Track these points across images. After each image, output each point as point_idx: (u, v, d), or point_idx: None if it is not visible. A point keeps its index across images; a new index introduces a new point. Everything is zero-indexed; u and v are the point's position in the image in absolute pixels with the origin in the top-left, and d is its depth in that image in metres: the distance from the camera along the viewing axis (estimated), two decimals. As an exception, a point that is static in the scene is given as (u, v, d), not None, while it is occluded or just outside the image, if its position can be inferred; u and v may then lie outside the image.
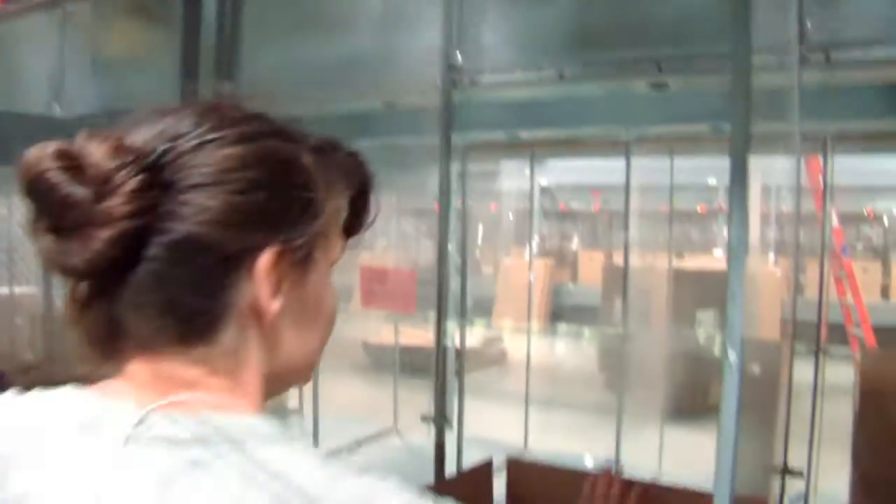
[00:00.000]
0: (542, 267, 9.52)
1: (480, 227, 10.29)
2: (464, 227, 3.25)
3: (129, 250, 0.56)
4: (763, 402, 1.59)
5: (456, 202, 3.06)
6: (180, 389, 0.58)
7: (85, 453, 0.56)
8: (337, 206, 0.66)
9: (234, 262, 0.58)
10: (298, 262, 0.62)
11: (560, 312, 9.52)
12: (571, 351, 8.65)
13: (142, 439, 0.55)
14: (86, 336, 0.60)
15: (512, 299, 8.55)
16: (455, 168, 3.04)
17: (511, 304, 8.54)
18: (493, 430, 3.93)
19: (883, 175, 8.06)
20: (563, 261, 10.93)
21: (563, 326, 9.41)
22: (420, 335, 3.77)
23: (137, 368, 0.60)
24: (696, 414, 4.84)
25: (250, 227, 0.59)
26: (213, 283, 0.58)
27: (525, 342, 4.26)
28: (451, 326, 2.98)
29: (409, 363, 4.93)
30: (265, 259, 0.59)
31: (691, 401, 5.03)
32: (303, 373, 0.69)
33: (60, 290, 0.62)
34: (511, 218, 10.76)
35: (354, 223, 0.70)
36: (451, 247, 2.95)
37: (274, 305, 0.60)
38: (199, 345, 0.59)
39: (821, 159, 3.23)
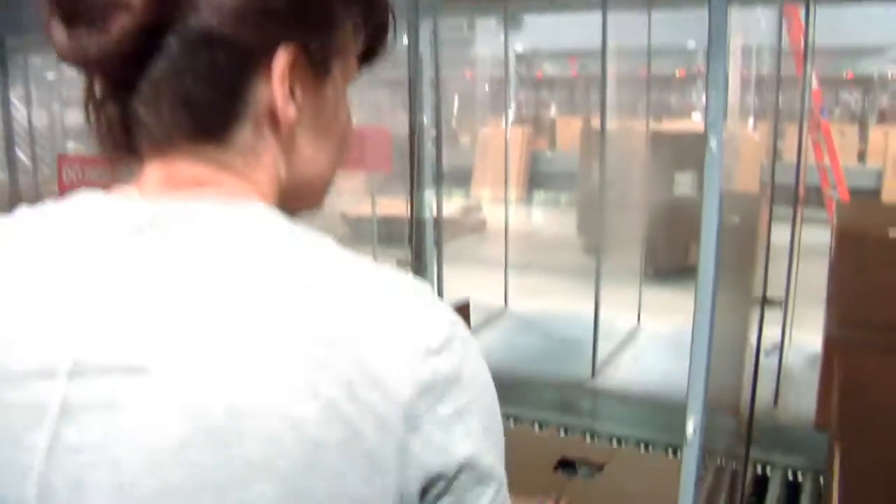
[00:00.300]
0: (520, 135, 9.45)
1: (456, 98, 10.16)
2: (437, 95, 3.18)
3: (145, 41, 0.55)
4: (741, 251, 1.57)
5: (429, 71, 2.99)
6: (191, 187, 0.58)
7: (91, 243, 0.56)
8: (354, 24, 0.65)
9: (250, 60, 0.58)
10: (315, 71, 0.61)
11: (538, 180, 9.51)
12: (550, 218, 8.69)
13: (147, 228, 0.55)
14: (103, 137, 0.59)
15: (490, 169, 8.52)
16: (426, 32, 2.95)
17: (489, 173, 8.52)
18: (473, 293, 3.98)
19: (863, 34, 7.95)
20: (541, 128, 10.84)
21: (541, 194, 9.43)
22: (397, 205, 3.76)
23: (151, 170, 0.59)
24: (676, 274, 4.89)
25: (268, 24, 0.57)
26: (228, 80, 0.57)
27: (504, 211, 4.25)
28: (428, 196, 2.96)
29: (387, 234, 4.93)
30: (281, 59, 0.58)
31: (670, 261, 5.08)
32: (316, 191, 0.68)
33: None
34: (487, 88, 10.61)
35: (371, 48, 0.68)
36: (426, 117, 2.91)
37: (290, 110, 0.59)
38: (212, 143, 0.58)
39: (802, 13, 3.16)
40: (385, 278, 0.58)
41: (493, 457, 0.60)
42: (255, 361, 0.52)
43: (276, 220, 0.57)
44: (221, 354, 0.52)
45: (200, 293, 0.53)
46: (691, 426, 0.59)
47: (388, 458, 0.54)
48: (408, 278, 0.59)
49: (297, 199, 0.65)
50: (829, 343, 2.15)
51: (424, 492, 0.57)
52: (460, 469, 0.57)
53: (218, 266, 0.54)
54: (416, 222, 2.86)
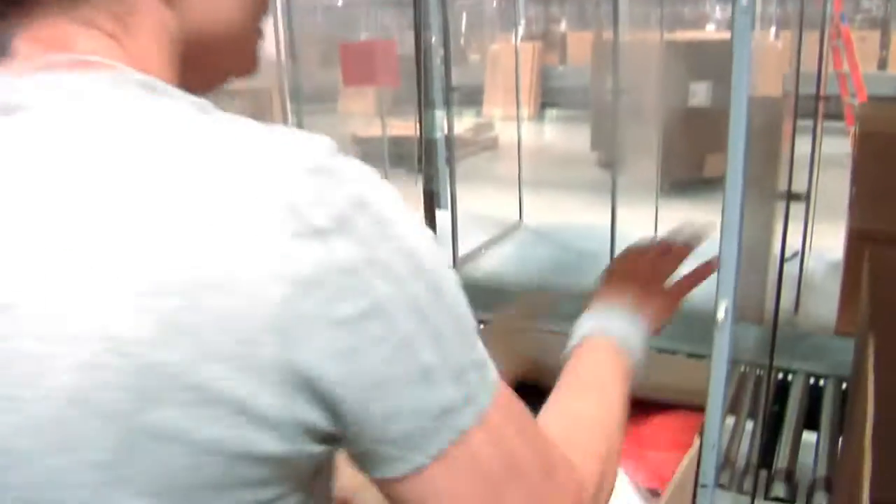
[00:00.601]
0: (530, 51, 9.28)
1: (464, 14, 9.96)
2: (445, 12, 3.09)
3: None
4: (765, 154, 1.52)
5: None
6: (46, 50, 0.49)
7: None
8: None
9: None
10: None
11: (550, 96, 9.37)
12: (563, 134, 8.58)
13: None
14: None
15: (501, 86, 8.38)
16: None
17: (500, 91, 8.38)
18: (487, 209, 3.94)
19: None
20: (552, 44, 10.64)
21: (553, 110, 9.31)
22: (408, 126, 3.69)
23: (19, 43, 0.51)
24: (692, 187, 4.83)
25: None
26: None
27: (516, 128, 4.17)
28: (439, 116, 2.90)
29: (398, 154, 4.88)
30: None
31: (686, 173, 5.01)
32: (234, 49, 0.58)
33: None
34: (496, 4, 10.39)
35: None
36: (433, 35, 2.84)
37: None
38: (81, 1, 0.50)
39: None
40: (254, 144, 0.46)
41: (445, 377, 0.50)
42: (69, 273, 0.42)
43: (125, 93, 0.48)
44: (33, 266, 0.43)
45: (18, 198, 0.44)
46: (723, 309, 0.55)
47: (255, 385, 0.44)
48: (295, 136, 0.48)
49: (211, 63, 0.57)
50: (854, 239, 2.11)
51: (340, 430, 0.48)
52: (383, 391, 0.48)
53: (41, 161, 0.45)
54: (426, 142, 2.81)
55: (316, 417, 0.47)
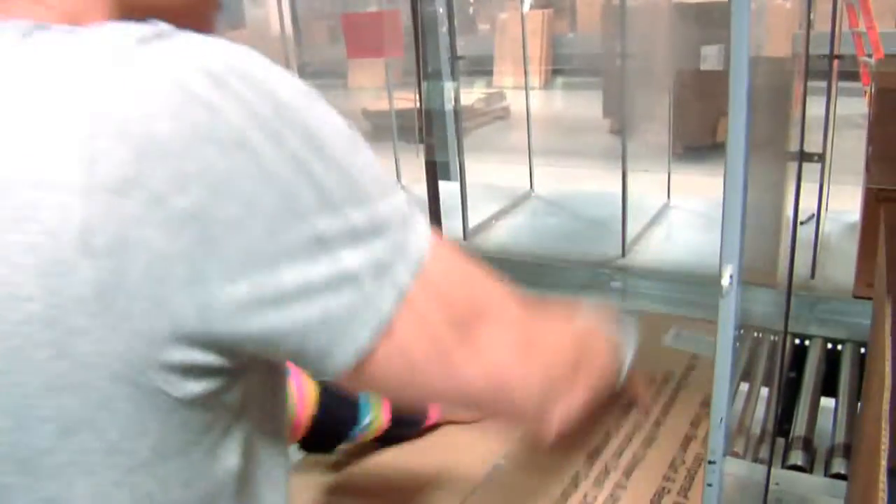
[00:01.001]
0: (540, 18, 9.18)
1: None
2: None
3: None
4: (775, 114, 1.47)
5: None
6: None
7: None
8: None
9: None
10: None
11: (562, 64, 9.28)
12: (575, 101, 8.50)
13: None
14: None
15: (510, 56, 8.30)
16: None
17: (510, 60, 8.31)
18: (499, 180, 3.90)
19: None
20: (561, 10, 10.53)
21: (564, 78, 9.22)
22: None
23: None
24: (705, 151, 4.77)
25: None
26: None
27: (528, 98, 4.11)
28: (446, 87, 2.86)
29: (408, 127, 4.84)
30: None
31: (699, 138, 4.95)
32: (185, 20, 0.52)
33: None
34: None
35: None
36: (440, 4, 2.79)
37: None
38: None
39: None
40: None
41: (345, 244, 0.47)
42: None
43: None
44: None
45: None
46: (728, 275, 0.52)
47: (73, 311, 0.41)
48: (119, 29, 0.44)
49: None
50: (871, 200, 2.06)
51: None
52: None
53: None
54: (433, 113, 2.78)
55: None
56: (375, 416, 1.09)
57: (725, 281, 0.53)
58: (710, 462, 0.59)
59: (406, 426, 1.15)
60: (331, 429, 1.05)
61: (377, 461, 1.15)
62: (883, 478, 0.58)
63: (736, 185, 0.54)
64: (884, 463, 0.60)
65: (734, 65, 0.59)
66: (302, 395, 1.00)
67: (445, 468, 1.05)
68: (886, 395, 0.62)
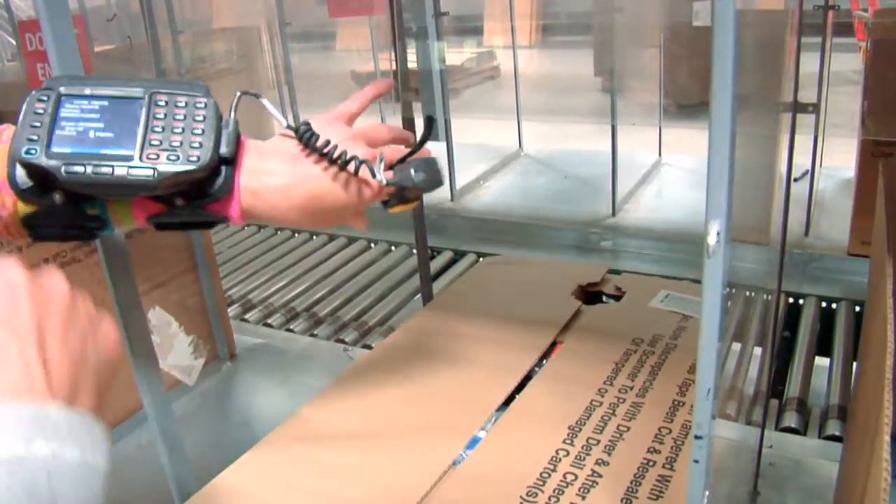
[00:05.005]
0: (530, -24, 9.05)
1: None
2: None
3: None
4: (765, 66, 1.42)
5: None
6: None
7: None
8: None
9: None
10: None
11: (553, 21, 9.16)
12: (566, 60, 8.40)
13: None
14: None
15: (500, 14, 8.19)
16: None
17: (499, 19, 8.19)
18: (488, 139, 3.84)
19: None
20: (552, -32, 10.39)
21: (556, 37, 9.11)
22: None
23: None
24: (697, 109, 4.72)
25: None
26: None
27: (519, 57, 4.04)
28: (431, 45, 2.79)
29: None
30: None
31: (691, 96, 4.89)
32: None
33: None
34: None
35: None
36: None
37: None
38: None
39: None
40: None
41: None
42: None
43: None
44: None
45: None
46: (714, 233, 0.47)
47: None
48: None
49: None
50: (867, 154, 2.02)
51: None
52: None
53: None
54: (420, 72, 2.71)
55: None
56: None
57: (712, 239, 0.48)
58: (696, 437, 0.54)
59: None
60: None
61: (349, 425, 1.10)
62: (885, 445, 0.54)
63: (722, 135, 0.49)
64: (887, 426, 0.56)
65: (718, 29, 0.54)
66: None
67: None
68: (889, 360, 0.58)
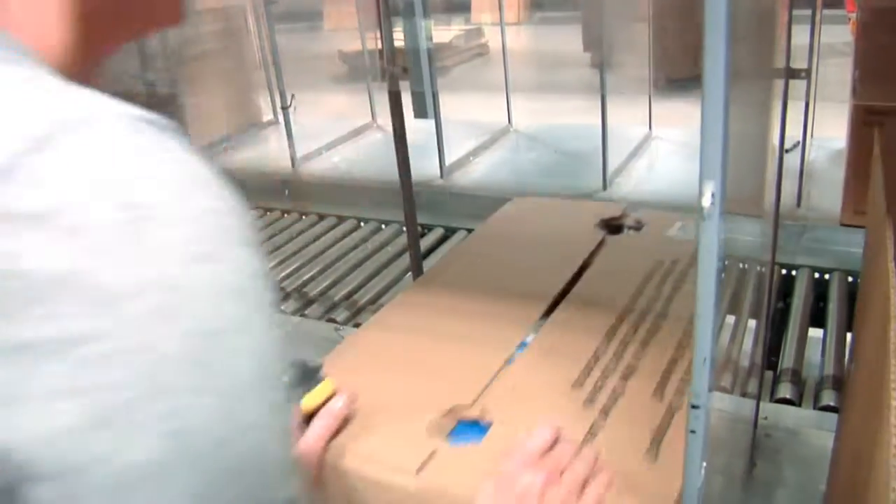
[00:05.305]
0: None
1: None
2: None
3: None
4: (757, 32, 1.39)
5: None
6: None
7: None
8: None
9: None
10: None
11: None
12: (555, 36, 8.36)
13: None
14: None
15: (489, -9, 8.14)
16: None
17: (488, -4, 8.14)
18: (478, 116, 3.82)
19: None
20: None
21: (544, 13, 9.06)
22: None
23: None
24: (688, 83, 4.69)
25: None
26: None
27: (507, 34, 4.01)
28: (417, 23, 2.76)
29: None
30: None
31: (681, 70, 4.86)
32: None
33: None
34: None
35: None
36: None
37: None
38: None
39: None
40: None
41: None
42: None
43: None
44: None
45: None
46: (709, 194, 0.45)
47: None
48: None
49: (121, 14, 0.46)
50: (859, 123, 2.00)
51: None
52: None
53: None
54: (407, 49, 2.69)
55: None
56: None
57: (707, 200, 0.46)
58: (693, 406, 0.53)
59: None
60: None
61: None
62: (892, 411, 0.53)
63: (716, 95, 0.47)
64: (893, 395, 0.55)
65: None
66: None
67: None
68: (894, 324, 0.56)
